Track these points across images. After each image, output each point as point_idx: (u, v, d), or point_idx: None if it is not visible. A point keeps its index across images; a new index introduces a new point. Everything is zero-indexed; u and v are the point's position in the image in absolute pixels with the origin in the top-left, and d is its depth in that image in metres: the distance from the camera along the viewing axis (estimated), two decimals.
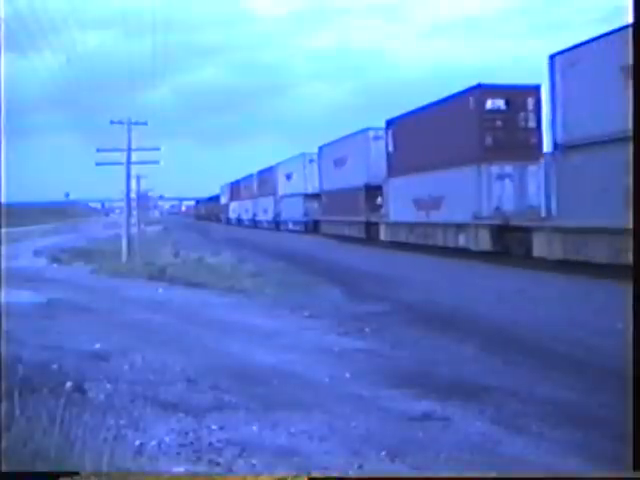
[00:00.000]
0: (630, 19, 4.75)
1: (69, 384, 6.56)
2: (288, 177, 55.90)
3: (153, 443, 6.10)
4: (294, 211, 54.15)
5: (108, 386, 7.98)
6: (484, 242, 24.85)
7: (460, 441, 6.26)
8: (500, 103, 25.58)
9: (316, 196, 47.96)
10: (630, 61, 4.54)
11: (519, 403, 7.44)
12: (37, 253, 33.69)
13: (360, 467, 5.60)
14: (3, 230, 28.67)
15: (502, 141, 24.97)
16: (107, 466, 4.62)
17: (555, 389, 7.98)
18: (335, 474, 5.44)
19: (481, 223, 24.96)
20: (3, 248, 24.24)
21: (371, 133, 37.09)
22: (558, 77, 19.74)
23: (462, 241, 26.36)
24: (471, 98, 25.75)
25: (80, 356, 9.63)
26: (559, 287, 17.27)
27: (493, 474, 5.42)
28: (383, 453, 5.90)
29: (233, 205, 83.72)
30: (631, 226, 4.69)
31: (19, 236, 46.25)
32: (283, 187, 57.65)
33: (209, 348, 10.71)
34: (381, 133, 35.26)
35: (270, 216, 62.16)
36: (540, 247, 21.11)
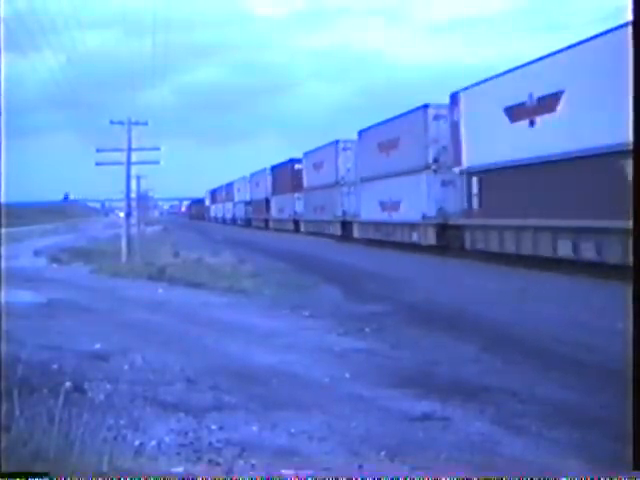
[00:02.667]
0: (630, 19, 4.72)
1: (69, 384, 6.55)
2: (239, 190, 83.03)
3: (153, 443, 6.10)
4: (241, 212, 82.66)
5: (108, 386, 7.98)
6: (290, 227, 56.54)
7: (460, 441, 6.26)
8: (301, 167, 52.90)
9: (250, 203, 76.26)
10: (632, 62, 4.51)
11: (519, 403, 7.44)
12: (37, 253, 33.70)
13: (360, 467, 5.60)
14: (3, 230, 28.67)
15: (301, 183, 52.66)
16: (107, 466, 4.62)
17: None
18: (335, 474, 5.44)
19: (291, 218, 56.70)
20: (3, 248, 24.23)
21: (267, 171, 65.81)
22: None
23: (287, 227, 57.51)
24: (289, 164, 56.64)
25: (80, 356, 9.64)
26: None
27: (493, 474, 5.41)
28: (383, 453, 5.90)
29: (212, 207, 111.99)
30: (631, 226, 4.68)
31: (19, 236, 46.24)
32: (236, 196, 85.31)
33: (209, 348, 10.71)
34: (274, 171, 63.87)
35: (230, 215, 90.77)
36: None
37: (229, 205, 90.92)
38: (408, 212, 30.82)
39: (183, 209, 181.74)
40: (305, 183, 50.18)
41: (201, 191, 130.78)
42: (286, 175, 56.81)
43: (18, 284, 17.74)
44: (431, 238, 29.18)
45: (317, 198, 46.27)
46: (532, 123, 21.48)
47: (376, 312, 13.88)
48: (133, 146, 29.66)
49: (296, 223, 54.47)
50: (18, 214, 63.75)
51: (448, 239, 27.82)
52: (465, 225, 26.40)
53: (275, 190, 62.12)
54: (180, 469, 5.46)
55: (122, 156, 29.56)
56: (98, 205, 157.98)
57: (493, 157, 23.44)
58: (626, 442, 4.57)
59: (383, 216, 33.58)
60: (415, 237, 30.82)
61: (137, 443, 5.98)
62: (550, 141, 20.18)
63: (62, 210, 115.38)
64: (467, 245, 26.25)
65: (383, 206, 33.42)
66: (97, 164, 30.69)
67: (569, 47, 19.87)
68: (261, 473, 5.36)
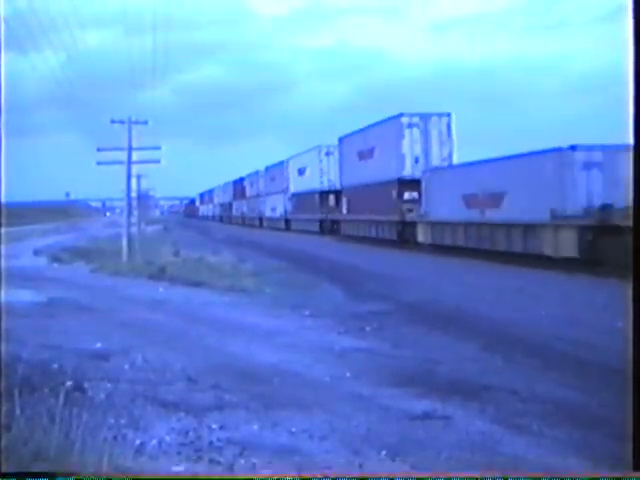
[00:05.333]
0: (630, 19, 4.75)
1: (69, 383, 6.55)
2: (217, 195, 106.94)
3: (153, 442, 6.10)
4: (217, 211, 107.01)
5: (108, 385, 7.98)
6: (241, 221, 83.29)
7: (461, 440, 6.25)
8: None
9: (222, 205, 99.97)
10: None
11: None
12: (38, 252, 33.69)
13: (361, 466, 5.60)
14: (3, 230, 28.67)
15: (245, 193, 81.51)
16: (107, 465, 4.62)
17: None
18: (336, 473, 5.43)
19: (240, 216, 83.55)
20: (3, 247, 24.23)
21: (230, 184, 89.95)
22: None
23: (239, 222, 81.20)
24: (240, 181, 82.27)
25: (81, 355, 9.64)
26: None
27: (493, 474, 5.41)
28: (384, 452, 5.90)
29: (200, 207, 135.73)
30: (631, 225, 4.71)
31: (20, 235, 46.24)
32: (215, 199, 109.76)
33: (210, 347, 10.71)
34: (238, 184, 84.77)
35: (211, 214, 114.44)
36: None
37: (210, 206, 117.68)
38: (278, 212, 61.68)
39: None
40: (247, 194, 78.03)
41: (201, 191, 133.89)
42: (239, 187, 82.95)
43: (18, 283, 17.75)
44: (282, 225, 59.48)
45: (251, 203, 75.60)
46: (303, 176, 51.57)
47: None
48: (134, 145, 29.64)
49: (243, 219, 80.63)
50: (19, 214, 63.78)
51: (287, 225, 57.96)
52: (290, 219, 57.54)
53: (235, 197, 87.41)
54: (181, 468, 5.46)
55: (123, 155, 29.55)
56: (99, 204, 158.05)
57: (296, 189, 54.28)
58: (626, 441, 4.56)
59: (271, 214, 64.64)
60: (279, 225, 60.52)
61: (138, 442, 5.97)
62: (310, 184, 48.91)
63: (63, 209, 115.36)
64: (292, 227, 56.10)
65: (271, 209, 64.43)
66: (98, 163, 30.68)
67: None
68: (262, 472, 5.36)
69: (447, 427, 6.66)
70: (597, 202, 19.87)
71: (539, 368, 8.89)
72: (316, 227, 47.81)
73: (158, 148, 31.62)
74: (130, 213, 32.58)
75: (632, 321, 4.58)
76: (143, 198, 45.89)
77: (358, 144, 38.46)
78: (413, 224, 31.03)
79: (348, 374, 8.77)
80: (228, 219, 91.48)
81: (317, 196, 46.86)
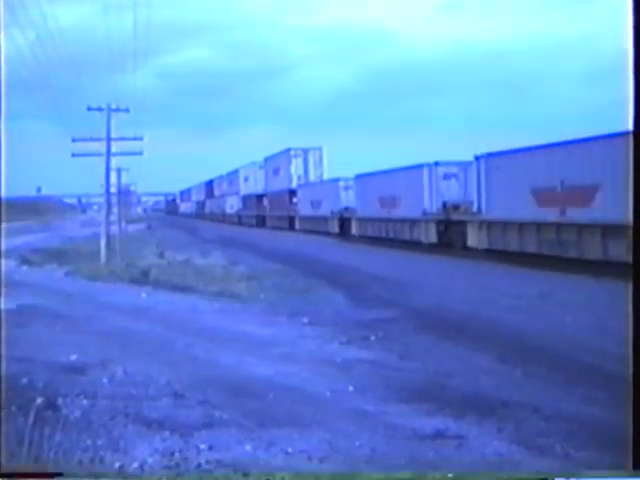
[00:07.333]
0: (630, 18, 5.07)
1: (40, 400, 6.54)
2: (194, 193, 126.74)
3: (135, 465, 6.09)
4: (193, 209, 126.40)
5: (85, 402, 7.98)
6: (210, 217, 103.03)
7: (476, 462, 6.25)
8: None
9: (197, 203, 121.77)
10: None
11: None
12: (4, 254, 33.66)
13: None
14: None
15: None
16: None
17: None
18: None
19: (210, 211, 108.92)
20: None
21: (202, 185, 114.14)
22: None
23: (211, 217, 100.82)
24: (210, 183, 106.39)
25: (53, 369, 9.64)
26: None
27: (494, 475, 5.42)
28: None
29: (182, 205, 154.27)
30: (631, 225, 4.87)
31: None
32: (193, 197, 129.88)
33: (198, 359, 10.72)
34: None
35: (189, 211, 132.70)
36: None
37: (189, 204, 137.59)
38: (234, 209, 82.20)
39: None
40: (215, 194, 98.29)
41: (188, 185, 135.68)
42: (209, 188, 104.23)
43: None
44: (236, 220, 79.43)
45: (218, 202, 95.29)
46: (248, 183, 76.26)
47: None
48: (113, 135, 29.67)
49: (212, 215, 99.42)
50: None
51: (240, 220, 77.54)
52: (241, 215, 79.11)
53: (206, 196, 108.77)
54: None
55: (101, 146, 29.58)
56: (75, 201, 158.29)
57: (244, 192, 76.63)
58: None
59: (230, 211, 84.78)
60: (235, 219, 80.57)
61: (117, 465, 5.98)
62: (251, 189, 74.55)
63: (34, 206, 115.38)
64: (243, 222, 76.15)
65: (230, 207, 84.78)
66: (73, 155, 30.74)
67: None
68: None
69: (460, 447, 6.65)
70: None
71: None
72: (254, 221, 70.52)
73: (140, 139, 31.65)
74: (109, 210, 32.59)
75: (632, 321, 4.66)
76: (124, 194, 45.93)
77: (272, 165, 65.48)
78: (294, 218, 56.67)
79: (351, 388, 8.78)
80: (202, 216, 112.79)
81: (255, 198, 70.79)
